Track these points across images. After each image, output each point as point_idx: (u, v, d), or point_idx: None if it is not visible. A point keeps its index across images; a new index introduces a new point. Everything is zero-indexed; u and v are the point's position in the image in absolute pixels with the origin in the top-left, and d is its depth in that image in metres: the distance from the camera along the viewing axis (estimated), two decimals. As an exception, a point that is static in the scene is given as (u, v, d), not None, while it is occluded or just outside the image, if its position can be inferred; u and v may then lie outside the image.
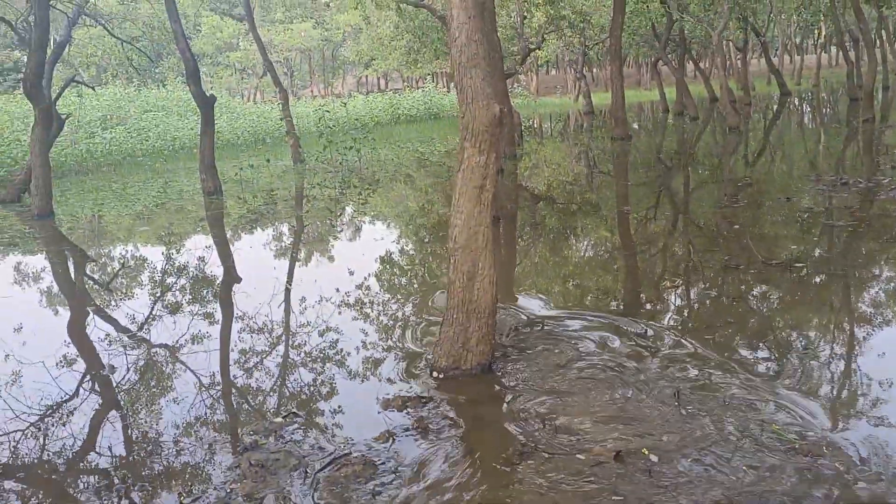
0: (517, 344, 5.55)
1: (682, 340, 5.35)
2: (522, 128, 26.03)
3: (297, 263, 9.39)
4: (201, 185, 15.49)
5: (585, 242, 9.51)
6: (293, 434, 4.27)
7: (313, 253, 10.03)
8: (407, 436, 4.12)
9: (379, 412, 4.48)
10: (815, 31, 52.01)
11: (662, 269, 7.76)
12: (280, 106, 21.59)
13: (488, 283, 5.33)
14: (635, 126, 29.13)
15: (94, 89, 20.54)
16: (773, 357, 5.02)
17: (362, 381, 5.17)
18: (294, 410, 4.63)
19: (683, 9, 25.16)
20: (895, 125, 18.93)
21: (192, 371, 5.60)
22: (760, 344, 5.26)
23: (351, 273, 8.39)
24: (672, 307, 6.27)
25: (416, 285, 7.83)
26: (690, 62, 35.87)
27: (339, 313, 6.83)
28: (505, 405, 4.52)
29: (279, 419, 4.51)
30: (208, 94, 15.35)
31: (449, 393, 4.76)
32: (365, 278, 8.07)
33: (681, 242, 8.97)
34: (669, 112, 31.46)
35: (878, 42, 36.25)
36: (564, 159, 19.99)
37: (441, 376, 5.04)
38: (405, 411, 4.46)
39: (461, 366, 5.17)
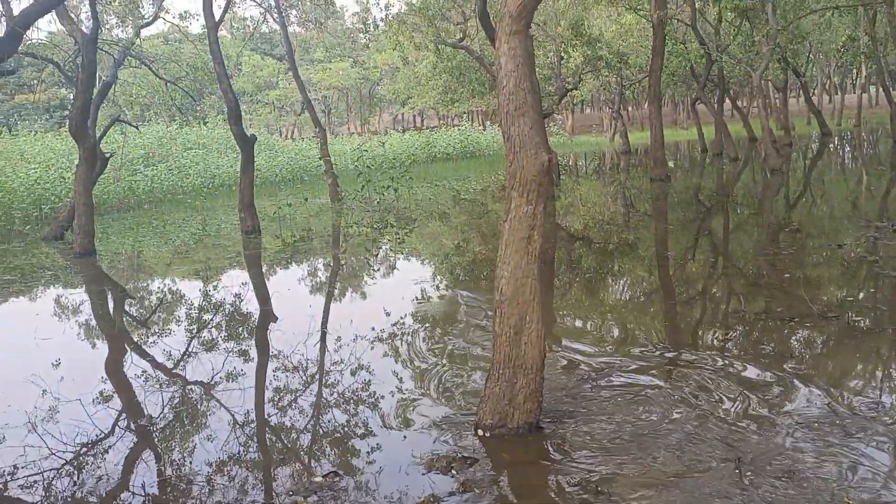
0: (564, 398, 5.34)
1: (744, 394, 5.09)
2: (559, 167, 25.94)
3: (332, 304, 9.29)
4: (240, 223, 15.59)
5: (625, 286, 9.27)
6: (334, 496, 4.10)
7: (350, 293, 9.93)
8: (452, 499, 3.93)
9: (423, 473, 4.30)
10: (855, 71, 51.43)
11: (710, 318, 7.49)
12: (319, 144, 21.79)
13: (536, 338, 5.15)
14: (671, 164, 28.84)
15: (137, 128, 20.94)
16: (838, 419, 4.73)
17: (404, 435, 4.99)
18: (335, 470, 4.47)
19: (723, 50, 24.99)
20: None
21: (227, 411, 5.50)
22: (826, 404, 4.97)
23: (387, 314, 8.26)
24: (723, 359, 6.00)
25: (457, 330, 7.66)
26: (728, 101, 35.57)
27: (377, 359, 6.69)
28: (552, 469, 4.31)
29: (319, 479, 4.35)
30: (249, 134, 15.52)
31: (495, 453, 4.57)
32: (402, 321, 7.92)
33: (728, 290, 8.69)
34: (707, 152, 31.15)
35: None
36: (601, 198, 19.79)
37: (486, 435, 4.85)
38: (450, 473, 4.27)
39: (507, 424, 4.97)
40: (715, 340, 6.56)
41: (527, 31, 5.42)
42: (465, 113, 57.87)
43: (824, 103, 56.61)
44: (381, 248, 13.29)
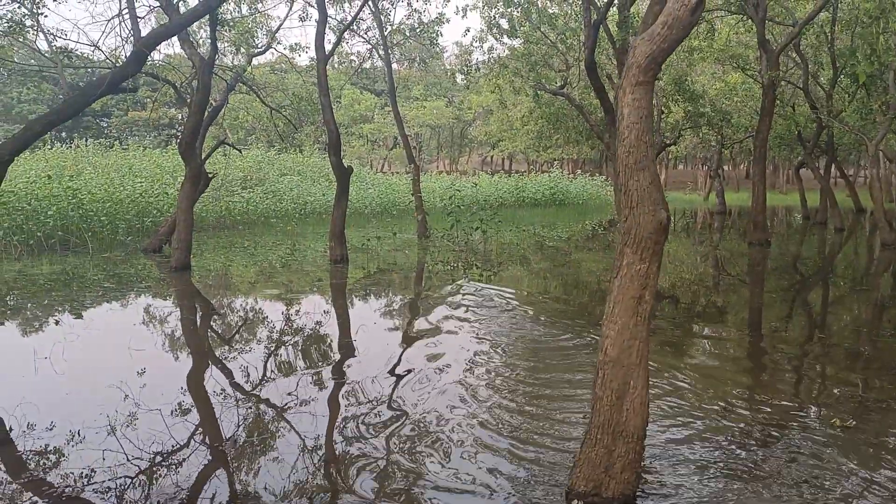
0: (663, 471, 4.99)
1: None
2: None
3: (413, 342, 9.12)
4: (329, 252, 15.77)
5: (723, 353, 8.74)
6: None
7: (429, 332, 9.74)
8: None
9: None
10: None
11: (824, 397, 6.95)
12: (411, 180, 21.99)
13: (639, 404, 4.85)
14: (770, 227, 27.75)
15: (240, 151, 21.65)
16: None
17: (490, 497, 4.73)
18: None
19: (835, 116, 24.03)
20: None
21: (298, 435, 5.37)
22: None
23: (473, 360, 8.01)
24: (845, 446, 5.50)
25: (545, 383, 7.36)
26: (835, 168, 34.16)
27: (452, 402, 6.46)
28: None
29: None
30: (346, 166, 15.75)
31: (588, 526, 4.25)
32: (487, 366, 7.68)
33: (838, 369, 8.07)
34: (809, 219, 29.90)
35: None
36: (693, 258, 19.10)
37: (579, 503, 4.55)
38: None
39: (602, 492, 4.66)
40: (833, 425, 6.04)
41: (653, 82, 5.21)
42: (555, 160, 57.71)
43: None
44: (462, 288, 13.10)
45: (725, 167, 60.09)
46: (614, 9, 18.69)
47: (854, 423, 6.04)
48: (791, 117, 27.07)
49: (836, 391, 7.18)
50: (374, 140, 63.72)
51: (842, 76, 24.29)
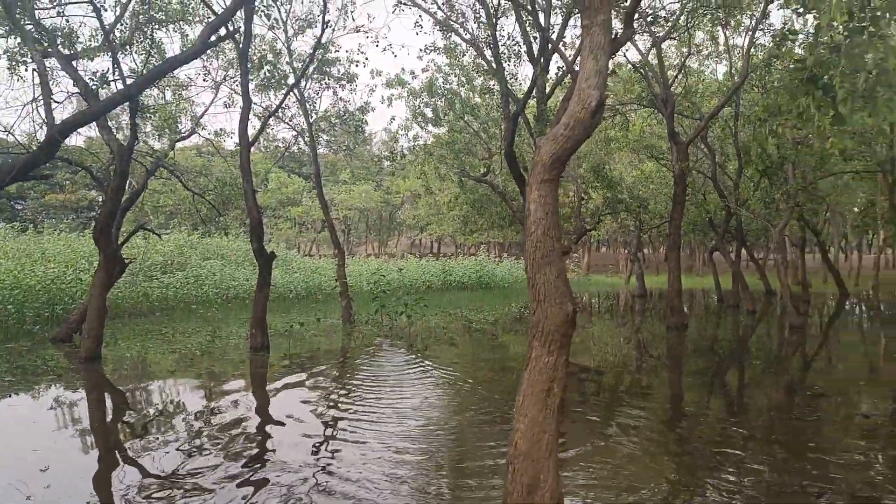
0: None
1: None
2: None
3: (331, 436, 8.90)
4: (250, 339, 15.44)
5: (637, 440, 8.83)
6: None
7: (352, 425, 9.54)
8: None
9: None
10: (871, 233, 51.95)
11: (737, 487, 7.06)
12: (336, 265, 21.92)
13: (550, 497, 4.83)
14: (687, 310, 28.64)
15: (160, 237, 21.21)
16: None
17: None
18: None
19: (741, 204, 25.37)
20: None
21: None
22: None
23: (397, 455, 7.88)
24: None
25: (463, 480, 7.27)
26: (745, 252, 35.78)
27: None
28: None
29: None
30: (269, 252, 15.62)
31: None
32: (407, 459, 7.55)
33: (753, 455, 8.24)
34: (724, 302, 31.00)
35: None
36: (614, 340, 19.47)
37: None
38: None
39: None
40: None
41: (558, 179, 5.43)
42: (482, 243, 58.62)
43: (840, 262, 56.85)
44: (389, 376, 12.96)
45: (646, 250, 62.21)
46: (533, 101, 19.50)
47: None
48: (702, 205, 28.42)
49: (749, 477, 7.31)
50: (302, 223, 63.57)
51: (749, 168, 25.76)
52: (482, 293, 37.09)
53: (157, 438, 8.64)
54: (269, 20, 14.20)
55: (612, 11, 18.89)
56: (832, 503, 6.48)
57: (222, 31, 13.36)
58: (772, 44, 18.45)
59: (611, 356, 16.74)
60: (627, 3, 11.12)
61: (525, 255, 5.35)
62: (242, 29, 14.96)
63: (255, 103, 19.81)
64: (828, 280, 37.89)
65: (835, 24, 5.09)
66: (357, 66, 21.35)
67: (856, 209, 35.86)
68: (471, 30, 19.79)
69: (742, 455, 8.12)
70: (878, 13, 4.89)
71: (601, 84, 5.29)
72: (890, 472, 7.53)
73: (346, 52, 46.62)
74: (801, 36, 6.95)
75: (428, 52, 21.66)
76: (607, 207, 28.65)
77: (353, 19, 21.62)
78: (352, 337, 18.46)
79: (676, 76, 23.97)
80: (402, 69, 23.11)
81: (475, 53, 20.44)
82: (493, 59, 18.20)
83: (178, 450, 8.12)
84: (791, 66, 6.03)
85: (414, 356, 15.25)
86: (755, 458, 8.00)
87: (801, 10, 5.98)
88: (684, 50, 24.59)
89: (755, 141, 19.54)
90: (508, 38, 20.19)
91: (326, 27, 18.68)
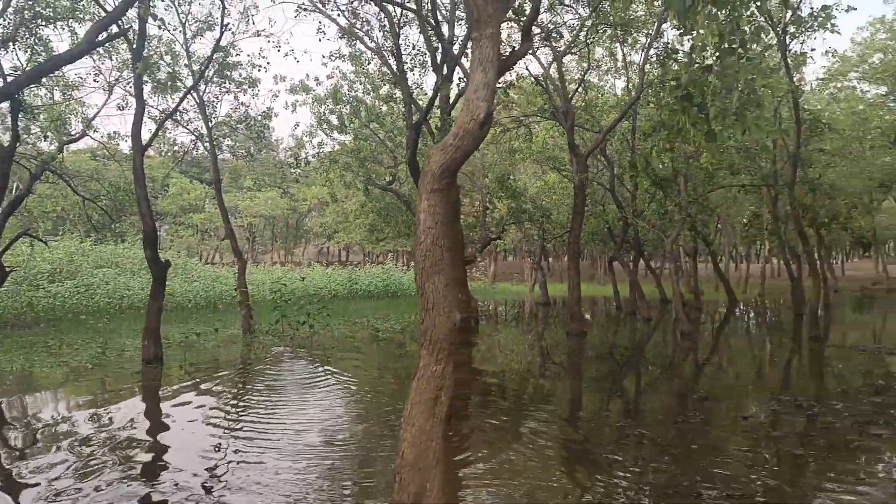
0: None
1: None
2: (478, 313, 26.11)
3: (227, 451, 8.66)
4: (142, 350, 14.87)
5: (539, 445, 8.99)
6: None
7: (250, 439, 9.31)
8: None
9: None
10: (759, 243, 54.95)
11: (616, 490, 7.29)
12: (236, 274, 21.38)
13: (436, 507, 4.84)
14: (589, 317, 29.48)
15: (46, 244, 20.13)
16: None
17: None
18: None
19: (638, 215, 26.33)
20: (839, 345, 19.30)
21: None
22: None
23: (297, 470, 7.73)
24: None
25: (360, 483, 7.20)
26: (643, 262, 37.12)
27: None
28: None
29: None
30: (163, 260, 15.09)
31: None
32: (308, 474, 7.43)
33: (636, 458, 8.53)
34: (622, 309, 32.03)
35: (817, 260, 38.24)
36: (518, 347, 19.81)
37: None
38: None
39: None
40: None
41: (448, 189, 5.47)
42: (390, 251, 58.52)
43: (731, 271, 59.77)
44: (285, 387, 12.74)
45: (550, 259, 63.58)
46: (439, 110, 19.65)
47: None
48: (601, 215, 29.32)
49: (633, 478, 7.55)
50: (204, 230, 61.71)
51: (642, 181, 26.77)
52: (389, 302, 36.98)
53: (40, 458, 8.17)
54: (155, 20, 13.69)
55: (514, 25, 19.16)
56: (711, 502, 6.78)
57: (114, 29, 12.82)
58: (657, 62, 19.31)
59: (515, 363, 17.02)
60: (526, 17, 11.39)
61: (415, 265, 5.37)
62: (137, 28, 14.45)
63: (151, 106, 19.17)
64: (719, 288, 39.73)
65: (707, 45, 5.39)
66: (260, 70, 20.97)
67: (743, 220, 37.82)
68: (376, 38, 19.79)
69: (636, 457, 8.39)
70: (747, 37, 5.20)
71: (489, 96, 5.37)
72: (765, 471, 7.94)
73: (248, 56, 45.76)
74: (680, 55, 7.29)
75: (333, 58, 21.54)
76: (511, 217, 29.17)
77: (254, 23, 21.23)
78: (252, 347, 18.04)
79: (576, 90, 24.65)
80: (307, 75, 22.87)
81: (381, 61, 20.44)
82: (397, 67, 18.24)
83: (67, 470, 7.70)
84: (669, 84, 6.34)
85: (317, 366, 15.04)
86: (647, 460, 8.28)
87: (682, 30, 6.25)
88: (584, 65, 25.31)
89: (640, 155, 20.38)
90: (413, 48, 20.32)
91: (226, 30, 18.26)
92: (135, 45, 14.58)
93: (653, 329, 24.58)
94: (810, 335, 19.79)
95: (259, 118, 22.21)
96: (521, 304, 39.27)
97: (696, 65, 5.56)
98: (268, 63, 19.21)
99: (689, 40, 5.97)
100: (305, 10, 18.00)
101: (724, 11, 4.93)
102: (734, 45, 5.16)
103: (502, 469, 7.90)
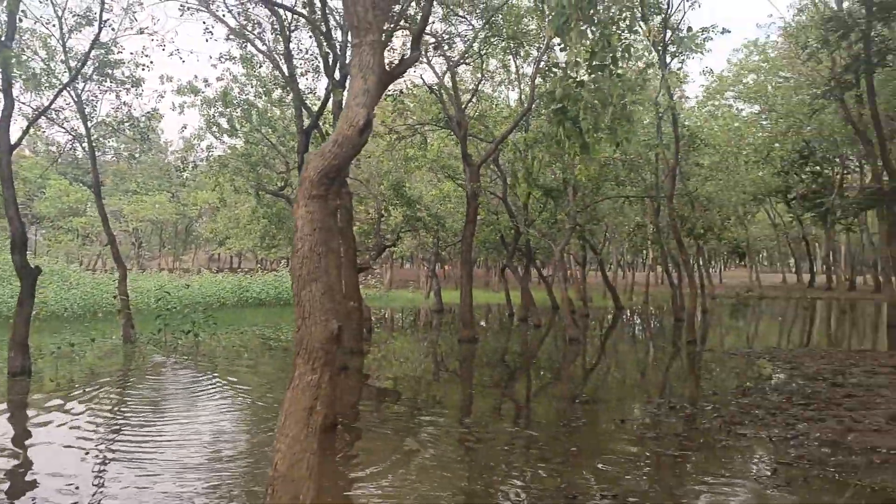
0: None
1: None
2: (372, 322, 25.98)
3: (103, 469, 8.22)
4: (8, 362, 13.94)
5: (432, 453, 9.01)
6: None
7: (129, 455, 8.87)
8: None
9: None
10: (644, 252, 57.36)
11: (500, 496, 7.41)
12: (117, 281, 20.41)
13: (309, 520, 4.76)
14: (483, 324, 29.89)
15: None
16: None
17: None
18: None
19: (529, 224, 26.92)
20: (714, 349, 20.37)
21: None
22: None
23: (181, 489, 7.42)
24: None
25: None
26: (535, 270, 38.00)
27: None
28: None
29: None
30: (33, 266, 14.23)
31: None
32: (192, 493, 7.14)
33: (523, 462, 8.69)
34: (514, 316, 32.66)
35: (696, 269, 40.38)
36: (412, 355, 19.85)
37: None
38: None
39: None
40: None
41: (326, 195, 5.41)
42: (284, 258, 57.33)
43: (619, 279, 62.11)
44: (161, 402, 12.25)
45: (447, 267, 64.10)
46: (332, 114, 19.44)
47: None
48: (494, 224, 29.81)
49: (519, 482, 7.69)
50: (86, 235, 58.55)
51: (534, 189, 27.42)
52: (281, 310, 36.20)
53: None
54: (26, 17, 12.96)
55: (407, 33, 19.14)
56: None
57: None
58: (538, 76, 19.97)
59: (408, 370, 17.03)
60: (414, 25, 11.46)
61: (291, 272, 5.28)
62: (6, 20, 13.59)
63: (23, 103, 18.09)
64: (607, 295, 41.16)
65: (581, 61, 5.59)
66: (144, 69, 20.13)
67: (626, 231, 39.39)
68: (267, 41, 19.41)
69: (523, 460, 8.55)
70: (618, 54, 5.43)
71: (369, 103, 5.36)
72: (641, 471, 8.26)
73: (132, 54, 43.67)
74: (558, 69, 7.53)
75: (223, 60, 20.95)
76: (406, 224, 29.24)
77: (137, 20, 20.38)
78: (132, 358, 17.24)
79: (470, 100, 25.02)
80: (195, 76, 22.16)
81: (272, 65, 20.06)
82: (288, 71, 17.96)
83: None
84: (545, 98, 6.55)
85: (201, 377, 14.54)
86: (533, 463, 8.45)
87: (562, 45, 6.44)
88: (478, 75, 25.72)
89: (524, 166, 20.92)
90: (307, 52, 20.07)
91: (105, 25, 17.45)
92: (3, 38, 13.69)
93: (543, 335, 25.18)
94: (687, 340, 20.79)
95: (143, 119, 21.31)
96: (417, 312, 39.37)
97: (570, 79, 5.77)
98: (151, 62, 18.52)
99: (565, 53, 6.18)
100: (190, 8, 17.43)
101: (594, 29, 5.14)
102: (606, 62, 5.39)
103: (393, 476, 7.88)
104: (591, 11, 5.13)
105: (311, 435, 4.88)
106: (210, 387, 13.51)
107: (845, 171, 45.26)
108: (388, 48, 16.91)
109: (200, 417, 10.90)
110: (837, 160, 43.77)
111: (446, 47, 21.09)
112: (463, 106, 23.18)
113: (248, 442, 9.58)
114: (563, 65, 6.34)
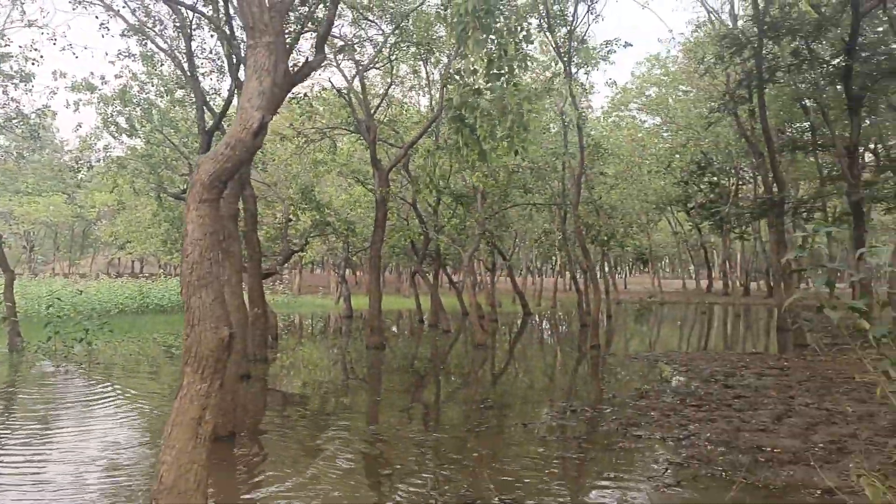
0: None
1: None
2: (278, 328, 25.50)
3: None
4: None
5: (334, 461, 8.89)
6: None
7: (13, 477, 8.36)
8: None
9: None
10: (553, 258, 58.64)
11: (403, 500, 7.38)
12: (3, 286, 19.26)
13: (196, 534, 4.60)
14: (394, 329, 29.83)
15: None
16: None
17: None
18: None
19: (439, 230, 27.05)
20: (617, 353, 21.01)
21: None
22: None
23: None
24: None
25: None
26: (445, 276, 38.22)
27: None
28: None
29: None
30: None
31: None
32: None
33: (427, 468, 8.70)
34: (425, 322, 32.74)
35: (601, 275, 41.57)
36: (319, 362, 19.59)
37: None
38: None
39: None
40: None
41: (218, 199, 5.27)
42: (189, 263, 55.50)
43: (528, 284, 63.22)
44: (54, 415, 11.63)
45: (358, 272, 63.66)
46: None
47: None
48: (404, 230, 29.82)
49: (423, 490, 7.68)
50: (-30, 237, 55.01)
51: (443, 195, 27.60)
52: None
53: None
54: None
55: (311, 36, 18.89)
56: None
57: None
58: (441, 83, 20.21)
59: (315, 377, 16.79)
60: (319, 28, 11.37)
61: (180, 278, 5.11)
62: None
63: None
64: (516, 301, 41.81)
65: (478, 69, 5.67)
66: (34, 64, 19.13)
67: (535, 237, 40.18)
68: (168, 39, 18.80)
69: (429, 466, 8.55)
70: (515, 64, 5.54)
71: (264, 105, 5.25)
72: (542, 473, 8.40)
73: (20, 47, 41.36)
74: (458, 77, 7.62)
75: (121, 57, 20.15)
76: (315, 229, 28.86)
77: (25, 12, 19.25)
78: (18, 368, 16.31)
79: (380, 105, 24.95)
80: (91, 73, 21.23)
81: (174, 63, 19.44)
82: (189, 70, 17.45)
83: None
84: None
85: (94, 387, 13.88)
86: (438, 468, 8.45)
87: (465, 53, 6.50)
88: (388, 80, 25.69)
89: (426, 172, 21.06)
90: (211, 52, 19.57)
91: (-8, 17, 16.50)
92: None
93: (452, 341, 25.34)
94: (591, 345, 21.36)
95: (34, 115, 20.24)
96: (326, 318, 38.93)
97: (468, 87, 5.84)
98: (41, 56, 17.44)
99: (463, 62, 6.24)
100: (83, 1, 16.68)
101: (492, 38, 5.22)
102: (502, 72, 5.48)
103: (297, 486, 7.72)
104: (489, 21, 5.20)
105: (199, 445, 4.73)
106: (102, 397, 12.92)
107: (740, 182, 47.55)
108: (295, 51, 16.67)
109: (92, 431, 10.40)
110: (733, 171, 45.94)
111: (356, 51, 20.97)
112: (372, 110, 23.09)
113: (141, 454, 9.20)
114: (463, 72, 6.43)
